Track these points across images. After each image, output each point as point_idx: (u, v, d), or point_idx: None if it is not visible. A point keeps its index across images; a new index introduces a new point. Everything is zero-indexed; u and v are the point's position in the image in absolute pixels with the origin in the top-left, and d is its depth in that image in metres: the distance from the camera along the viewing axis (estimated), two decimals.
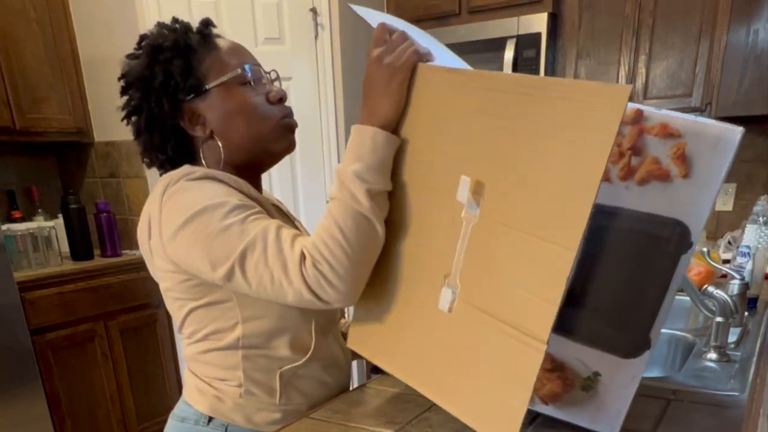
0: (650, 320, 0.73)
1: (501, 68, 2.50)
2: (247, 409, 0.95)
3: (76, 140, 2.79)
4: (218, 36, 0.96)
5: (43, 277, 2.35)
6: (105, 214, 2.65)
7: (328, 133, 2.67)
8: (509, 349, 0.68)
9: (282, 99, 0.96)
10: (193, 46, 0.91)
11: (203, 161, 0.95)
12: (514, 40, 2.48)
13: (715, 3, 2.21)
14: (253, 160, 0.96)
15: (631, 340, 0.75)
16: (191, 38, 0.91)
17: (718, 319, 1.15)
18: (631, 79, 2.42)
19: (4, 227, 2.35)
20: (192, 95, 0.91)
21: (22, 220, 2.64)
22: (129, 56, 0.94)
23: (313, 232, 0.82)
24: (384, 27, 0.83)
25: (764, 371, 1.09)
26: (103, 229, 2.65)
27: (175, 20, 0.95)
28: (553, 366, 0.80)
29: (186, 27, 0.93)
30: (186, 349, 0.99)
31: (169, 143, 0.94)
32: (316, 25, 2.57)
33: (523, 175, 0.67)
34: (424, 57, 0.83)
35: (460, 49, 2.60)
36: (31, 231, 2.44)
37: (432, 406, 0.94)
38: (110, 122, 2.74)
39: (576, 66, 2.52)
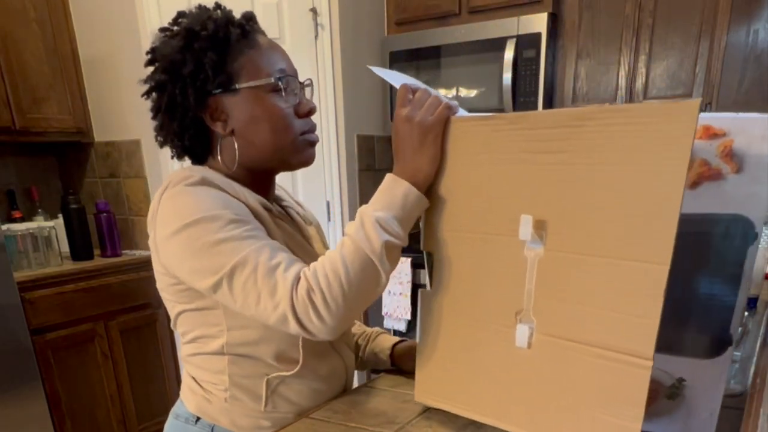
0: (729, 317, 0.74)
1: (501, 68, 2.50)
2: (233, 414, 0.95)
3: (76, 140, 2.79)
4: (259, 32, 0.93)
5: (43, 277, 2.35)
6: (105, 214, 2.65)
7: (328, 133, 2.67)
8: (611, 371, 0.70)
9: (311, 112, 0.94)
10: (231, 41, 0.87)
11: (219, 157, 0.93)
12: (514, 40, 2.48)
13: (715, 3, 2.21)
14: (268, 166, 0.95)
15: (713, 340, 0.76)
16: (231, 32, 0.87)
17: None
18: (631, 79, 2.42)
19: (4, 227, 2.35)
20: (220, 90, 0.88)
21: (22, 220, 2.64)
22: (162, 30, 0.91)
23: (318, 260, 0.80)
24: (407, 87, 0.83)
25: (764, 371, 1.09)
26: (103, 229, 2.65)
27: (217, 6, 0.91)
28: None
29: (227, 18, 0.89)
30: (182, 347, 1.00)
31: (187, 132, 0.91)
32: (316, 25, 2.57)
33: (592, 204, 0.68)
34: (454, 110, 0.82)
35: (460, 49, 2.62)
36: (31, 231, 2.44)
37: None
38: (110, 122, 2.75)
39: (576, 66, 2.52)
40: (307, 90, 0.96)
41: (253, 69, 0.89)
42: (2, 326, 2.17)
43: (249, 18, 0.92)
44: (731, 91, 2.23)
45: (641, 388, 0.67)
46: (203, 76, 0.86)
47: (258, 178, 0.95)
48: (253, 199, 0.90)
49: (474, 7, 2.61)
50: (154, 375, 2.81)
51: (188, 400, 0.99)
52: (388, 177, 0.82)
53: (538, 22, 2.44)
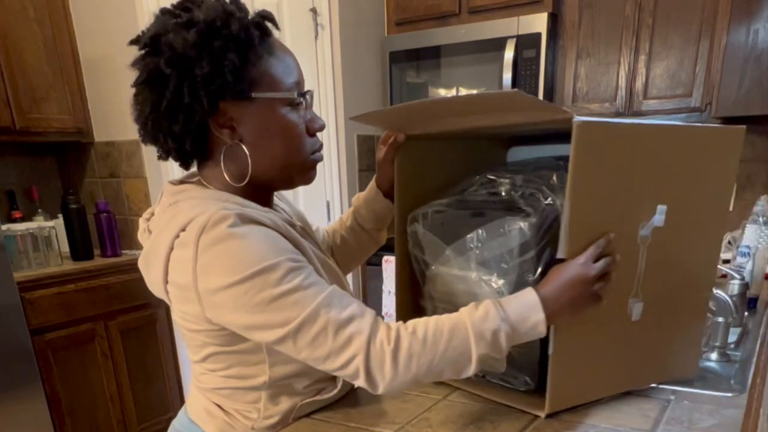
0: None
1: (501, 68, 2.50)
2: None
3: (76, 140, 2.79)
4: (273, 36, 0.83)
5: (43, 277, 2.35)
6: (105, 214, 2.65)
7: (327, 133, 2.67)
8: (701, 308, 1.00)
9: (320, 129, 0.88)
10: (254, 44, 0.78)
11: (222, 167, 0.83)
12: (514, 40, 2.48)
13: (715, 3, 2.21)
14: (270, 181, 0.88)
15: None
16: (252, 34, 0.78)
17: (718, 319, 1.15)
18: (631, 79, 2.42)
19: (4, 227, 2.35)
20: (233, 96, 0.79)
21: (22, 220, 2.64)
22: (167, 13, 0.78)
23: (418, 320, 0.78)
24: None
25: (764, 371, 1.09)
26: (103, 229, 2.66)
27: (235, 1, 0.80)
28: None
29: (247, 18, 0.79)
30: (200, 375, 0.92)
31: (188, 138, 0.81)
32: (316, 25, 2.57)
33: (689, 197, 0.90)
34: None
35: (460, 49, 2.62)
36: (31, 231, 2.44)
37: (432, 406, 0.94)
38: (110, 122, 2.75)
39: (576, 66, 2.52)
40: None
41: (272, 78, 0.81)
42: (2, 326, 2.17)
43: (268, 17, 0.82)
44: (731, 91, 2.23)
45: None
46: (221, 81, 0.76)
47: (259, 193, 0.88)
48: (281, 221, 0.83)
49: (474, 7, 2.61)
50: (154, 375, 2.81)
51: (205, 422, 0.93)
52: (535, 295, 0.79)
53: (538, 22, 2.44)
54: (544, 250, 0.88)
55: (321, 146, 0.90)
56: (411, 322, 0.78)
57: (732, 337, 1.23)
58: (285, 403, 0.90)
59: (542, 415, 0.88)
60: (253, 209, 0.81)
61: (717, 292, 1.14)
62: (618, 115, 2.47)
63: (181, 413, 1.01)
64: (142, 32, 0.80)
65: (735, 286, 1.24)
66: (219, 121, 0.80)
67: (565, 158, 1.03)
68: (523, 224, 0.87)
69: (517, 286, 0.87)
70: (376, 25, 2.84)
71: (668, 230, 0.87)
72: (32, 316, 2.28)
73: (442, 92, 2.75)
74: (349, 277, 2.83)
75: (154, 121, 0.80)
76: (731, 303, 1.14)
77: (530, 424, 0.87)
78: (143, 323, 2.72)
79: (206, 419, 0.93)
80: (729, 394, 0.94)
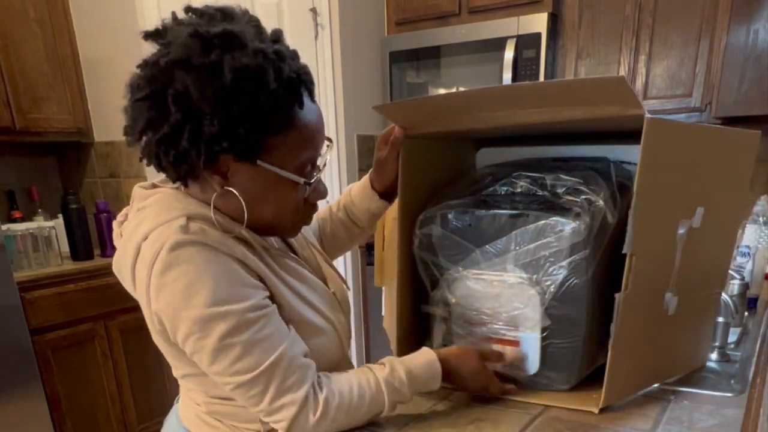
0: None
1: (501, 68, 2.50)
2: None
3: (76, 140, 2.79)
4: (304, 96, 0.75)
5: (43, 277, 2.35)
6: (105, 214, 2.65)
7: (327, 133, 2.67)
8: (715, 304, 1.07)
9: (323, 197, 0.86)
10: (277, 116, 0.72)
11: (212, 206, 0.78)
12: (514, 40, 2.48)
13: (715, 3, 2.21)
14: (257, 229, 0.83)
15: None
16: (280, 105, 0.72)
17: (719, 319, 1.15)
18: (631, 79, 2.42)
19: (4, 227, 2.35)
20: (234, 155, 0.73)
21: (22, 220, 2.64)
22: (195, 35, 0.68)
23: (342, 384, 0.81)
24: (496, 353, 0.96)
25: (764, 371, 1.09)
26: (103, 229, 2.65)
27: (278, 54, 0.71)
28: None
29: (287, 77, 0.71)
30: (188, 392, 0.93)
31: (175, 173, 0.76)
32: (316, 25, 2.57)
33: (716, 198, 0.93)
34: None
35: (460, 49, 2.62)
36: (31, 231, 2.44)
37: (432, 406, 0.94)
38: (110, 122, 2.75)
39: (576, 66, 2.52)
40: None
41: (285, 152, 0.75)
42: (2, 326, 2.17)
43: (306, 83, 0.75)
44: (731, 91, 2.23)
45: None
46: (227, 144, 0.71)
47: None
48: (254, 242, 0.81)
49: (474, 7, 2.61)
50: (154, 375, 2.81)
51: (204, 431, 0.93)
52: (436, 363, 0.88)
53: (538, 22, 2.44)
54: (595, 251, 0.87)
55: (317, 208, 0.88)
56: (336, 390, 0.80)
57: (732, 337, 1.23)
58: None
59: (596, 411, 0.89)
60: (215, 232, 0.76)
61: None
62: None
63: (172, 420, 0.99)
64: (163, 29, 0.72)
65: (735, 286, 1.24)
66: (212, 168, 0.75)
67: (564, 159, 1.04)
68: (576, 224, 0.86)
69: (564, 288, 0.88)
70: (376, 25, 2.84)
71: (696, 229, 0.90)
72: (32, 316, 2.28)
73: (443, 92, 2.75)
74: (350, 278, 2.84)
75: (138, 137, 0.75)
76: (731, 303, 1.13)
77: (530, 424, 0.87)
78: (143, 323, 2.69)
79: (205, 430, 0.92)
80: (729, 394, 0.94)
